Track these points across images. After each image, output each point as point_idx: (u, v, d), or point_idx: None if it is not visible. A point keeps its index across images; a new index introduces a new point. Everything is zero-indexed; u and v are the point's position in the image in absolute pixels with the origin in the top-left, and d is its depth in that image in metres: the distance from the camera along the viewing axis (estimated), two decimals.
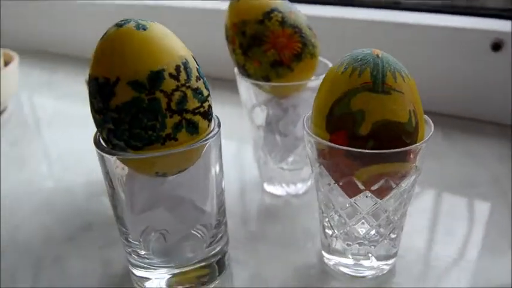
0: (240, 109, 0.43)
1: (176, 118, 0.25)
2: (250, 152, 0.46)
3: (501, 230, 0.37)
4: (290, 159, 0.41)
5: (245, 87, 0.39)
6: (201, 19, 0.69)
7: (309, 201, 0.42)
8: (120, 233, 0.32)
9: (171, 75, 0.24)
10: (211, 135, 0.28)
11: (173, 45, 0.25)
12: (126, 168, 0.29)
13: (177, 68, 0.24)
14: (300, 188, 0.43)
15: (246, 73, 0.37)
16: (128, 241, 0.32)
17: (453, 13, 0.56)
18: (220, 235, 0.33)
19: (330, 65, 0.39)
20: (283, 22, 0.36)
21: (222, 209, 0.33)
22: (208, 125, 0.27)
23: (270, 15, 0.36)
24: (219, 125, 0.29)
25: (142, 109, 0.23)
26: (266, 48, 0.36)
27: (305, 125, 0.30)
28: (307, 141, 0.30)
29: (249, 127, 0.41)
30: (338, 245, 0.33)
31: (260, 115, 0.40)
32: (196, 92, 0.25)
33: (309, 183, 0.43)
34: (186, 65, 0.25)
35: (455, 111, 0.55)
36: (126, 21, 0.24)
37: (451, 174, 0.45)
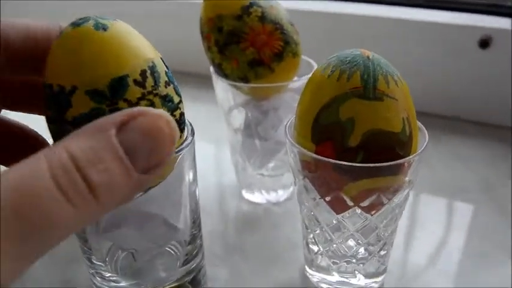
0: (217, 107, 0.39)
1: None
2: (227, 155, 0.43)
3: (494, 238, 0.35)
4: (270, 164, 0.38)
5: (222, 87, 0.36)
6: (175, 9, 0.65)
7: (290, 209, 0.39)
8: (82, 252, 0.29)
9: (135, 81, 0.20)
10: (184, 145, 0.25)
11: (139, 46, 0.21)
12: None
13: (143, 73, 0.20)
14: (281, 195, 0.40)
15: (222, 73, 0.34)
16: (92, 262, 0.29)
17: (439, 8, 0.54)
18: (195, 251, 0.30)
19: (314, 64, 0.36)
20: (263, 18, 0.33)
21: (197, 223, 0.30)
22: (181, 135, 0.24)
23: (249, 10, 0.33)
24: (192, 134, 0.26)
25: None
26: (244, 46, 0.33)
27: (287, 133, 0.27)
28: (290, 151, 0.27)
29: (226, 130, 0.38)
30: (323, 261, 0.30)
31: (238, 118, 0.37)
32: (166, 99, 0.21)
33: (290, 189, 0.40)
34: (153, 69, 0.21)
35: (439, 110, 0.53)
36: (84, 19, 0.21)
37: (438, 177, 0.43)
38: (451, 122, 0.52)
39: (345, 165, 0.24)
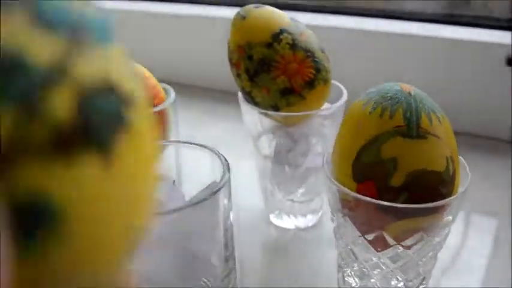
0: (242, 125, 0.39)
1: None
2: (253, 177, 0.42)
3: None
4: (300, 190, 0.37)
5: (250, 114, 0.36)
6: (208, 26, 0.64)
7: (319, 234, 0.39)
8: None
9: None
10: (221, 183, 0.25)
11: None
12: None
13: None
14: (310, 219, 0.39)
15: (252, 100, 0.34)
16: None
17: (464, 24, 0.53)
18: (230, 285, 0.30)
19: (343, 88, 0.36)
20: (294, 45, 0.32)
21: (231, 259, 0.29)
22: None
23: (280, 37, 0.32)
24: (228, 170, 0.26)
25: None
26: (276, 75, 0.32)
27: (326, 169, 0.27)
28: (328, 188, 0.27)
29: (255, 155, 0.38)
30: None
31: (267, 144, 0.36)
32: None
33: (319, 214, 0.40)
34: None
35: (467, 128, 0.52)
36: None
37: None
38: (478, 140, 0.51)
39: (388, 206, 0.23)
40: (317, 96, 0.33)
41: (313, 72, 0.32)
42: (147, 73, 0.36)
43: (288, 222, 0.39)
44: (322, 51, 0.34)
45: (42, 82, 0.10)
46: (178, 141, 0.31)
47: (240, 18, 0.34)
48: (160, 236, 0.26)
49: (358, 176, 0.24)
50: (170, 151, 0.31)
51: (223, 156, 0.27)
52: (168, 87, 0.37)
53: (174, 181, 0.30)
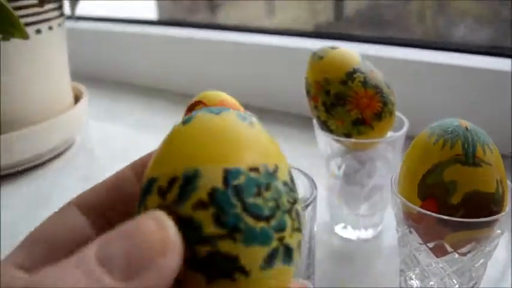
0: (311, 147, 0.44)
1: None
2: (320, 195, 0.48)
3: None
4: (364, 206, 0.43)
5: (324, 140, 0.42)
6: (281, 54, 0.72)
7: (379, 245, 0.44)
8: None
9: (159, 188, 0.16)
10: (310, 199, 0.31)
11: (197, 145, 0.16)
12: None
13: (172, 180, 0.16)
14: (371, 232, 0.45)
15: (327, 129, 0.40)
16: None
17: (500, 55, 0.58)
18: None
19: (404, 119, 0.41)
20: (365, 82, 0.38)
21: (312, 265, 0.35)
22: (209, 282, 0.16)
23: (353, 76, 0.38)
24: (315, 187, 0.32)
25: None
26: (349, 108, 0.38)
27: (394, 188, 0.32)
28: (394, 202, 0.32)
29: (325, 173, 0.44)
30: None
31: (337, 166, 0.42)
32: (185, 223, 0.15)
33: (379, 228, 0.45)
34: (188, 179, 0.16)
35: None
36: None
37: None
38: None
39: (448, 220, 0.29)
40: (383, 127, 0.39)
41: (381, 106, 0.38)
42: (232, 99, 0.42)
43: (351, 234, 0.45)
44: (388, 87, 0.39)
45: None
46: None
47: (318, 58, 0.40)
48: None
49: (422, 194, 0.30)
50: None
51: (312, 178, 0.33)
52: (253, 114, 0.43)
53: None
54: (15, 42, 0.53)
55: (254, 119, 0.18)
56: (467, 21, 0.92)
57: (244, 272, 0.15)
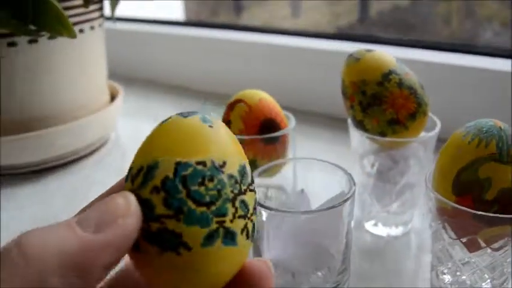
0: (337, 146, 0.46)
1: None
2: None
3: None
4: (395, 204, 0.44)
5: (358, 138, 0.43)
6: (316, 57, 0.74)
7: (408, 242, 0.46)
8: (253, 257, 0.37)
9: (131, 175, 0.20)
10: (349, 194, 0.33)
11: (161, 142, 0.20)
12: None
13: (140, 169, 0.20)
14: (401, 230, 0.46)
15: (363, 128, 0.41)
16: None
17: None
18: (344, 279, 0.37)
19: (436, 120, 0.42)
20: (400, 84, 0.40)
21: (348, 255, 0.36)
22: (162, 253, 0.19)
23: (389, 77, 0.40)
24: (354, 184, 0.33)
25: None
26: (385, 108, 0.40)
27: (428, 184, 0.34)
28: (429, 198, 0.34)
29: (358, 171, 0.45)
30: None
31: (370, 164, 0.43)
32: (144, 204, 0.19)
33: (409, 226, 0.46)
34: (150, 168, 0.19)
35: None
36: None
37: None
38: None
39: (483, 215, 0.30)
40: (417, 127, 0.40)
41: (416, 106, 0.40)
42: (270, 98, 0.44)
43: (381, 231, 0.46)
44: (422, 88, 0.41)
45: None
46: (309, 158, 0.38)
47: (354, 60, 0.41)
48: (297, 232, 0.34)
49: (457, 191, 0.31)
50: (301, 165, 0.39)
51: (351, 175, 0.34)
52: (290, 115, 0.45)
53: (302, 190, 0.37)
54: (60, 41, 0.56)
55: (216, 122, 0.21)
56: (492, 25, 0.92)
57: (187, 248, 0.18)
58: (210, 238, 0.19)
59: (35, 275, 0.16)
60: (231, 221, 0.19)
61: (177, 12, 1.31)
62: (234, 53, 0.84)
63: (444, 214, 0.33)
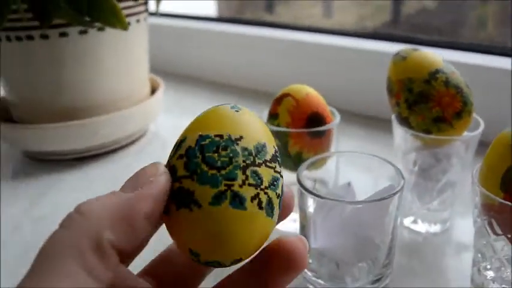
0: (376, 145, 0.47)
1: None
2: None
3: None
4: (436, 202, 0.45)
5: (401, 135, 0.44)
6: (358, 58, 0.75)
7: (447, 239, 0.46)
8: None
9: (174, 146, 0.24)
10: (398, 188, 0.33)
11: (198, 122, 0.24)
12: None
13: (179, 142, 0.23)
14: (440, 227, 0.47)
15: (407, 125, 0.42)
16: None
17: None
18: (387, 271, 0.38)
19: (480, 120, 0.43)
20: (447, 82, 0.40)
21: (393, 248, 0.37)
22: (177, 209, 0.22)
23: (436, 76, 0.40)
24: (403, 178, 0.34)
25: None
26: (432, 106, 0.40)
27: (475, 180, 0.35)
28: (475, 193, 0.35)
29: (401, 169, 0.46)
30: (494, 286, 0.37)
31: (413, 161, 0.44)
32: (172, 169, 0.22)
33: (447, 224, 0.47)
34: (181, 141, 0.23)
35: None
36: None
37: None
38: None
39: None
40: (462, 125, 0.41)
41: (462, 105, 0.40)
42: (316, 92, 0.45)
43: (421, 227, 0.47)
44: (468, 87, 0.42)
45: None
46: (358, 152, 0.39)
47: (401, 58, 0.42)
48: (344, 222, 0.35)
49: (505, 187, 0.32)
50: (347, 159, 0.40)
51: (398, 168, 0.35)
52: (334, 110, 0.46)
53: (349, 183, 0.38)
54: (108, 33, 0.58)
55: (243, 109, 0.24)
56: None
57: (197, 204, 0.21)
58: (218, 198, 0.21)
59: (90, 226, 0.19)
60: (240, 186, 0.21)
61: (209, 9, 1.33)
62: (271, 50, 0.85)
63: (490, 210, 0.34)
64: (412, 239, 0.47)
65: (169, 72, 0.98)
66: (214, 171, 0.21)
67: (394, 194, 0.33)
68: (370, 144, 0.65)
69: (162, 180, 0.21)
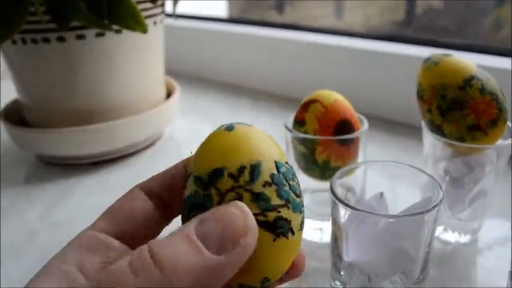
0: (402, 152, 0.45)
1: None
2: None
3: None
4: (467, 211, 0.44)
5: (432, 142, 0.43)
6: (392, 63, 0.73)
7: (476, 250, 0.45)
8: (331, 263, 0.37)
9: (230, 174, 0.21)
10: (434, 203, 0.32)
11: (252, 146, 0.22)
12: None
13: (241, 168, 0.21)
14: (469, 237, 0.45)
15: (440, 132, 0.41)
16: (338, 269, 0.36)
17: None
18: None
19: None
20: (482, 89, 0.39)
21: (428, 261, 0.36)
22: (276, 239, 0.21)
23: (471, 82, 0.39)
24: (441, 188, 0.33)
25: (197, 203, 0.22)
26: (466, 113, 0.39)
27: None
28: None
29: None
30: None
31: (444, 169, 0.43)
32: (258, 197, 0.21)
33: (477, 234, 0.46)
34: (255, 167, 0.21)
35: None
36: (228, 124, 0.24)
37: None
38: None
39: None
40: (497, 133, 0.40)
41: (497, 112, 0.39)
42: (344, 99, 0.44)
43: (450, 236, 0.46)
44: (503, 94, 0.40)
45: None
46: (390, 161, 0.38)
47: (433, 63, 0.41)
48: (379, 234, 0.34)
49: None
50: (379, 169, 0.39)
51: (435, 178, 0.34)
52: (362, 117, 0.45)
53: (382, 193, 0.37)
54: (125, 35, 0.57)
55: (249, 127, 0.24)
56: None
57: (292, 232, 0.22)
58: (302, 223, 0.22)
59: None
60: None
61: (219, 9, 1.32)
62: (286, 52, 0.84)
63: None
64: (441, 248, 0.46)
65: (181, 73, 0.96)
66: (298, 199, 0.22)
67: (433, 207, 0.32)
68: (397, 151, 0.63)
69: (252, 242, 0.20)
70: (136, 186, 0.25)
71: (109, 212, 0.24)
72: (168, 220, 0.25)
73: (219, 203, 0.21)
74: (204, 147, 0.24)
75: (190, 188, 0.22)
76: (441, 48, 0.70)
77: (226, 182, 0.21)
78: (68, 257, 0.20)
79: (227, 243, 0.19)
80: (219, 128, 0.24)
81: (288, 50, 0.83)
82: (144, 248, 0.18)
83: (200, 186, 0.22)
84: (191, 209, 0.22)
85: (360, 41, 0.78)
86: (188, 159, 0.26)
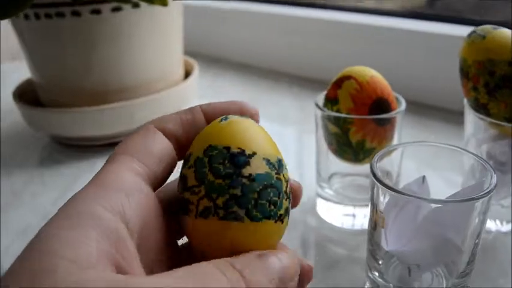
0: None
1: (287, 203, 0.25)
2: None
3: None
4: (509, 198, 0.41)
5: (476, 123, 0.39)
6: (426, 43, 0.69)
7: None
8: (368, 251, 0.34)
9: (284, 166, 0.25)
10: (487, 190, 0.29)
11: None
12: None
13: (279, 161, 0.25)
14: (511, 226, 0.42)
15: (486, 112, 0.38)
16: (375, 258, 0.33)
17: None
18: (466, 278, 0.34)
19: None
20: None
21: (477, 248, 0.33)
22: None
23: None
24: (494, 172, 0.30)
25: (271, 184, 0.24)
26: None
27: None
28: None
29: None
30: None
31: (487, 152, 0.40)
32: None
33: None
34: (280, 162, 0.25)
35: None
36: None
37: None
38: None
39: None
40: None
41: None
42: (380, 76, 0.41)
43: (491, 225, 0.43)
44: None
45: None
46: (436, 143, 0.35)
47: (480, 37, 0.38)
48: (422, 222, 0.31)
49: None
50: (418, 151, 0.36)
51: (488, 163, 0.31)
52: (399, 96, 0.42)
53: (424, 177, 0.34)
54: (143, 10, 0.54)
55: (253, 122, 0.25)
56: None
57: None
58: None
59: None
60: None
61: None
62: (309, 32, 0.81)
63: None
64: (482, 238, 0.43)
65: (199, 54, 0.93)
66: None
67: (486, 193, 0.29)
68: (433, 135, 0.60)
69: (296, 281, 0.23)
70: (152, 124, 0.25)
71: (138, 156, 0.23)
72: (180, 158, 0.26)
73: (286, 188, 0.25)
74: (257, 131, 0.25)
75: (259, 166, 0.24)
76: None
77: (286, 172, 0.25)
78: (106, 201, 0.20)
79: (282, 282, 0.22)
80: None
81: (311, 29, 0.80)
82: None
83: (272, 168, 0.24)
84: (266, 187, 0.24)
85: (383, 19, 0.74)
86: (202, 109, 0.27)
